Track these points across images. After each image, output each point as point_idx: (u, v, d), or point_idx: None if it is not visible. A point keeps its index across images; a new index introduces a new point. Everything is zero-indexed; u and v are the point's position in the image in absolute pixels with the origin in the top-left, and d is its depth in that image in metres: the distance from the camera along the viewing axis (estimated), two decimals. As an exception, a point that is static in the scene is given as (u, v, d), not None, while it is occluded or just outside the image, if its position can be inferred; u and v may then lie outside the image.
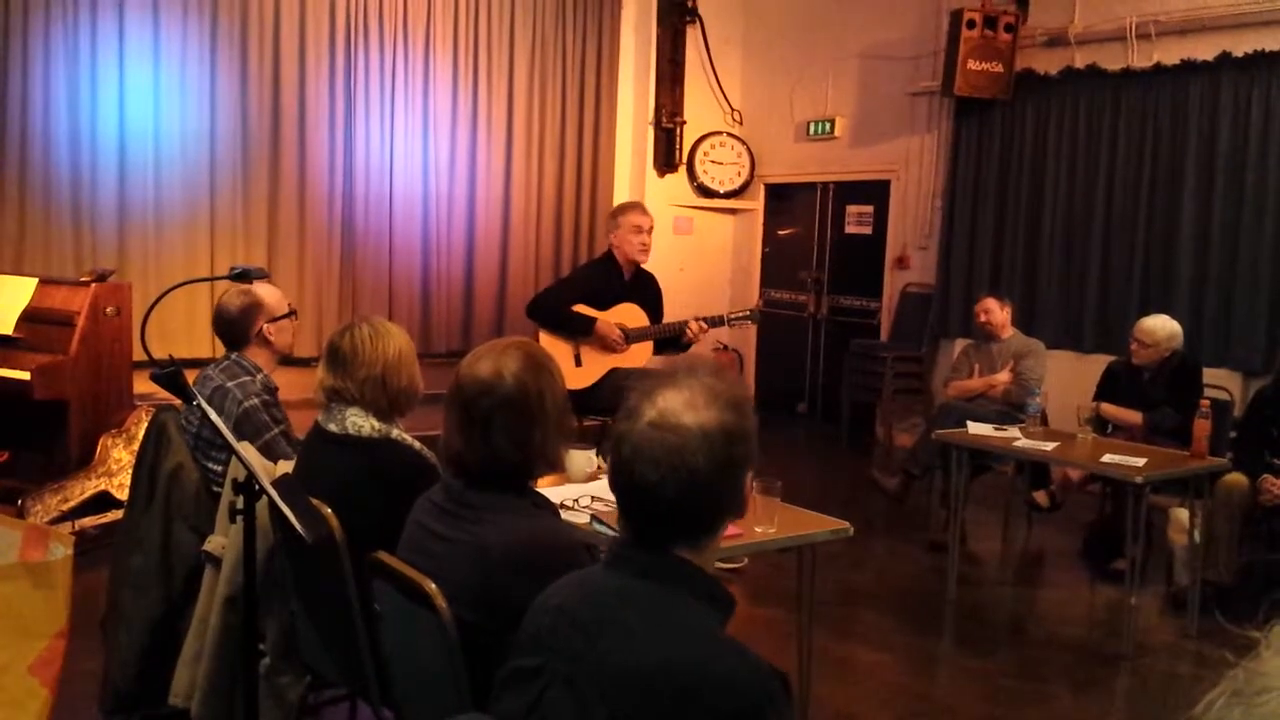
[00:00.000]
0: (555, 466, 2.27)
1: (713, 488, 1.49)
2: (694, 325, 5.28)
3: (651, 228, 5.35)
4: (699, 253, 9.93)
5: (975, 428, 5.17)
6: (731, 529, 2.13)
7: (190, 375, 2.76)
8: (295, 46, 8.33)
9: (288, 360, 3.63)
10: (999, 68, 7.61)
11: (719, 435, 1.49)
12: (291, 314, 3.57)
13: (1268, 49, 6.52)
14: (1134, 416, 5.43)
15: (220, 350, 3.58)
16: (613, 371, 5.19)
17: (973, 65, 7.58)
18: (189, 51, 7.95)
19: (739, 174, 9.90)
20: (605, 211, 9.44)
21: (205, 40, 7.99)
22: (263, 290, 3.51)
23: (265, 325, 3.43)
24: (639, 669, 1.40)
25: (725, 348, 9.76)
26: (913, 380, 8.44)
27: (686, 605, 1.47)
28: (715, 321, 5.39)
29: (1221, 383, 5.99)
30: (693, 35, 9.73)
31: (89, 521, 5.13)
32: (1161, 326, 5.42)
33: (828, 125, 9.27)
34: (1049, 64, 7.67)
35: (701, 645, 1.41)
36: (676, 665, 1.38)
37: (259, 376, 3.36)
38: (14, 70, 7.37)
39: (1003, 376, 5.95)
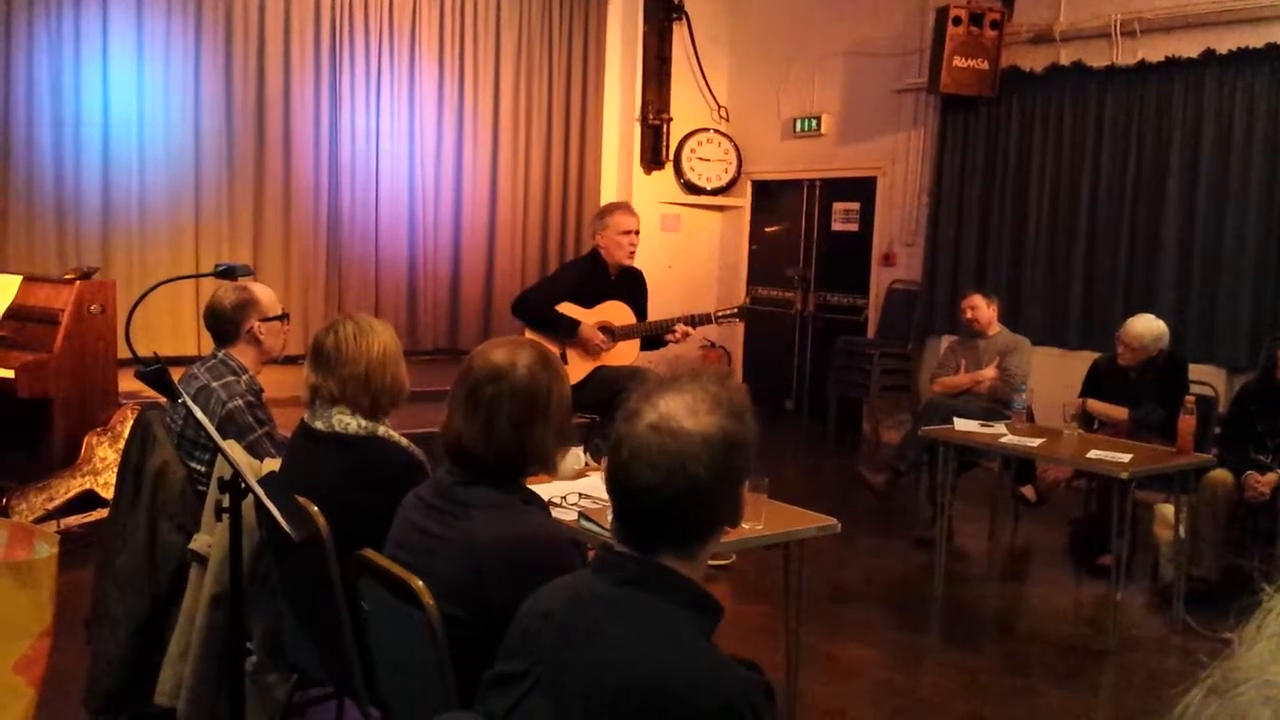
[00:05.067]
0: (548, 467, 2.28)
1: (710, 495, 1.48)
2: (680, 329, 5.27)
3: (638, 228, 5.33)
4: (686, 250, 9.94)
5: (961, 424, 5.18)
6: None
7: (176, 373, 2.75)
8: (280, 42, 8.29)
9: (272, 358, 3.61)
10: (984, 65, 7.63)
11: (720, 443, 1.47)
12: (284, 317, 3.54)
13: (1251, 46, 6.55)
14: (1120, 413, 5.45)
15: (206, 348, 3.56)
16: (599, 369, 5.19)
17: (958, 62, 7.59)
18: (173, 47, 7.90)
19: (726, 171, 9.90)
20: (592, 209, 9.44)
21: (190, 36, 7.95)
22: (258, 289, 3.51)
23: (257, 323, 3.40)
24: (621, 679, 1.40)
25: (713, 345, 9.76)
26: (899, 377, 8.46)
27: (672, 614, 1.46)
28: (702, 319, 5.39)
29: (1206, 379, 6.02)
30: (679, 32, 9.73)
31: (74, 520, 5.10)
32: (1148, 330, 5.42)
33: (814, 122, 9.28)
34: (1034, 61, 7.69)
35: (684, 655, 1.41)
36: (658, 675, 1.38)
37: (244, 377, 3.34)
38: (-3, 66, 7.33)
39: (988, 372, 5.97)
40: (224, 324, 3.41)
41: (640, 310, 5.39)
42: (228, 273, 3.45)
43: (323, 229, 8.60)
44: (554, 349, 5.13)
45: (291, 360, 3.51)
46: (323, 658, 2.65)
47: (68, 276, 5.86)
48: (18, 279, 5.82)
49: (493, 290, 9.32)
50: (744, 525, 3.08)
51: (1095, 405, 5.54)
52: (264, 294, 3.49)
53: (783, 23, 9.48)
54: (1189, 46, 6.85)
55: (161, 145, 7.91)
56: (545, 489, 3.17)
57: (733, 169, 9.91)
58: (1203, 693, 0.69)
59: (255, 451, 3.10)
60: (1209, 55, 6.75)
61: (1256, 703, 0.65)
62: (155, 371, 2.43)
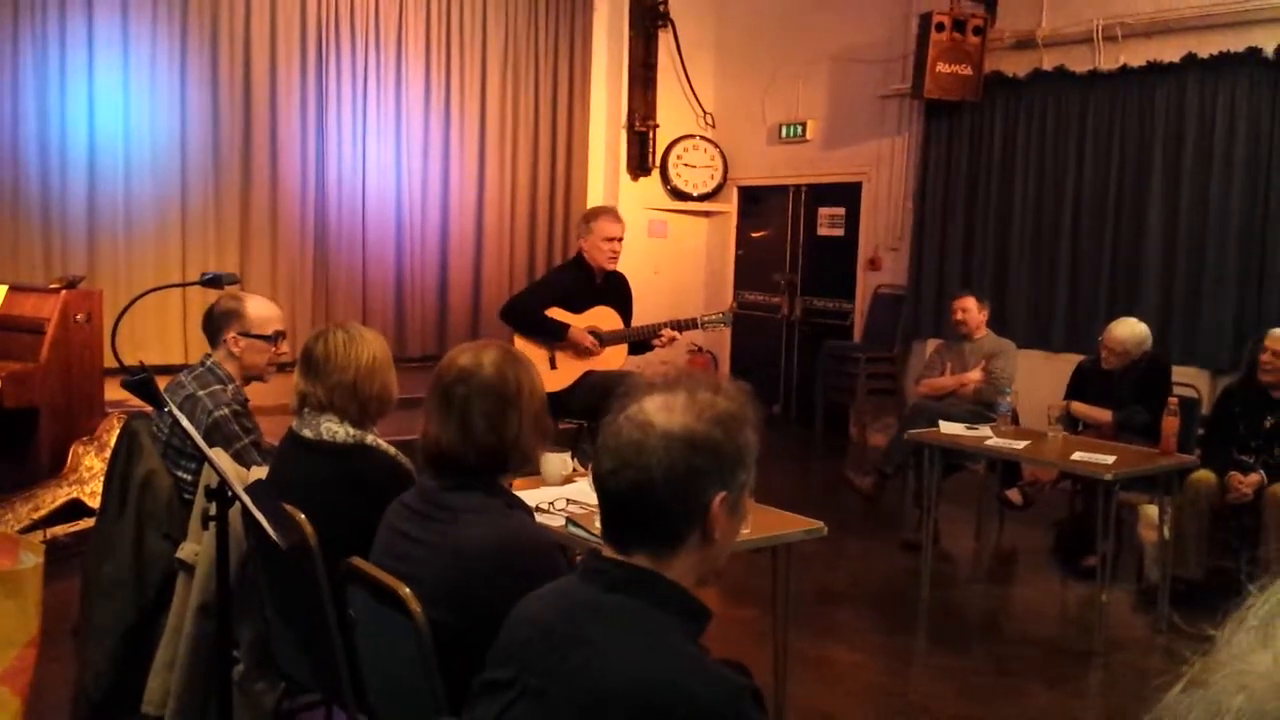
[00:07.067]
0: (529, 461, 2.31)
1: (663, 493, 1.46)
2: (666, 334, 5.30)
3: (622, 235, 5.35)
4: (673, 255, 9.95)
5: (947, 427, 5.21)
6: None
7: (162, 382, 2.74)
8: (266, 50, 8.28)
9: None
10: (968, 70, 7.67)
11: (681, 443, 1.46)
12: (272, 338, 3.44)
13: (1232, 50, 6.59)
14: (1104, 415, 5.47)
15: (193, 357, 3.56)
16: (588, 374, 5.20)
17: (942, 68, 7.63)
18: (159, 55, 7.89)
19: (712, 177, 9.93)
20: (579, 215, 9.46)
21: (175, 44, 7.94)
22: (255, 304, 3.44)
23: (234, 335, 3.35)
24: (607, 686, 1.40)
25: (700, 350, 9.78)
26: (886, 381, 8.49)
27: (658, 619, 1.45)
28: (689, 324, 5.41)
29: (1190, 380, 6.05)
30: (665, 39, 9.75)
31: (60, 530, 5.08)
32: (1131, 335, 5.45)
33: (799, 128, 9.31)
34: (1017, 66, 7.73)
35: (670, 661, 1.41)
36: (644, 683, 1.38)
37: (230, 386, 3.31)
38: (-19, 76, 7.31)
39: (974, 375, 5.99)
40: (209, 326, 3.42)
41: (626, 315, 5.41)
42: (213, 281, 3.45)
43: (310, 236, 8.59)
44: (544, 353, 5.19)
45: (283, 369, 3.49)
46: (310, 665, 2.65)
47: (53, 286, 5.85)
48: (3, 289, 5.81)
49: (480, 297, 9.32)
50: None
51: (1079, 408, 5.57)
52: (256, 310, 3.42)
53: (768, 29, 9.50)
54: (1170, 51, 6.90)
55: (148, 153, 7.89)
56: (532, 494, 3.18)
57: (719, 175, 9.93)
58: (1182, 686, 0.70)
59: (241, 460, 3.10)
60: (1190, 59, 6.79)
61: (1231, 689, 0.67)
62: (141, 381, 2.44)
